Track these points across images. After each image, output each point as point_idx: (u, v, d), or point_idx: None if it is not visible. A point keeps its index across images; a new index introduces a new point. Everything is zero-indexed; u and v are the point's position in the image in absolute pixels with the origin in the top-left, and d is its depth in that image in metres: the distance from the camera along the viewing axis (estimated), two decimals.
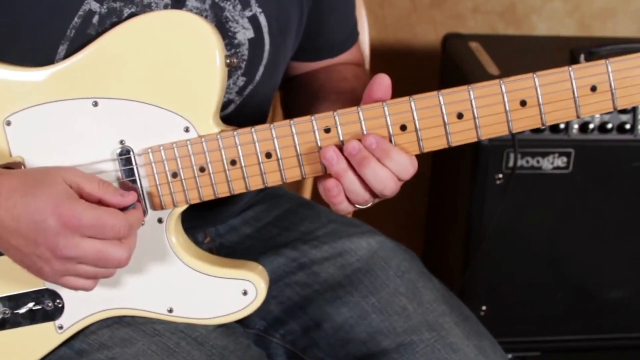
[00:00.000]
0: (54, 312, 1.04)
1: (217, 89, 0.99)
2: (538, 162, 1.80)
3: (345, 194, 0.97)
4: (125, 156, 1.00)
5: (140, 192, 1.00)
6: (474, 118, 0.95)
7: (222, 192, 1.00)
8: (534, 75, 0.94)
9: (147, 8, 1.00)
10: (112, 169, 1.00)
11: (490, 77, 1.74)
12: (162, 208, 1.01)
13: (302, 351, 1.17)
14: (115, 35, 0.99)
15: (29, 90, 1.00)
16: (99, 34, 0.99)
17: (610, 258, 1.90)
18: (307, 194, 1.60)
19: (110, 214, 0.93)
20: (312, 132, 0.97)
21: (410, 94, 0.97)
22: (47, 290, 1.03)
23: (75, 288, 0.98)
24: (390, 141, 0.96)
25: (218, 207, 1.21)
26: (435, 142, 0.96)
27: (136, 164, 1.00)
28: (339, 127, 0.97)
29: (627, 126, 1.79)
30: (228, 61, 0.99)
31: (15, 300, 1.04)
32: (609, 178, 1.84)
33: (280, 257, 1.20)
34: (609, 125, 1.79)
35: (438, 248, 2.19)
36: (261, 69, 1.11)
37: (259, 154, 0.98)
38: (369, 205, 1.00)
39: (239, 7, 1.06)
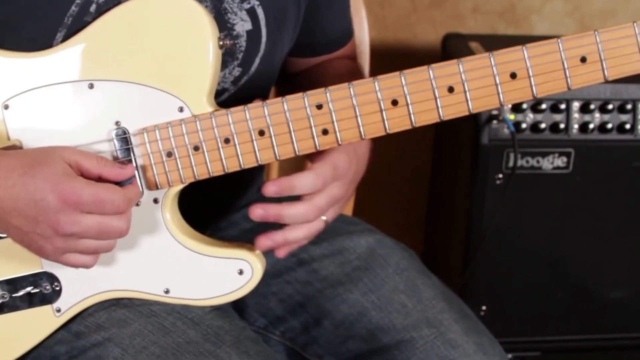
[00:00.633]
0: (51, 295, 1.04)
1: (210, 70, 1.00)
2: (538, 162, 1.80)
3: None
4: (121, 137, 1.01)
5: (137, 172, 1.01)
6: (465, 91, 0.95)
7: (216, 170, 1.00)
8: (523, 48, 0.95)
9: None
10: (108, 150, 1.01)
11: None
12: (157, 188, 1.01)
13: (302, 348, 1.17)
14: (110, 19, 1.00)
15: (27, 74, 1.01)
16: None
17: (610, 258, 1.90)
18: None
19: (109, 189, 0.95)
20: (305, 109, 0.98)
21: None
22: (45, 273, 1.04)
23: (76, 265, 0.98)
24: (382, 116, 0.97)
25: (219, 202, 1.22)
26: (426, 116, 0.96)
27: (131, 144, 1.00)
28: (330, 103, 0.97)
29: (627, 126, 1.79)
30: (221, 42, 1.00)
31: (13, 284, 1.04)
32: (609, 178, 1.84)
33: None
34: (609, 125, 1.79)
35: (438, 248, 2.19)
36: (257, 60, 1.12)
37: (252, 131, 0.99)
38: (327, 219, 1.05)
39: None
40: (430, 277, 1.19)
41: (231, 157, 1.00)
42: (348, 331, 1.14)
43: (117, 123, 1.01)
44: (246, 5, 1.08)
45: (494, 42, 1.93)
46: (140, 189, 1.01)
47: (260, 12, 1.10)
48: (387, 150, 2.02)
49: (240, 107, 0.99)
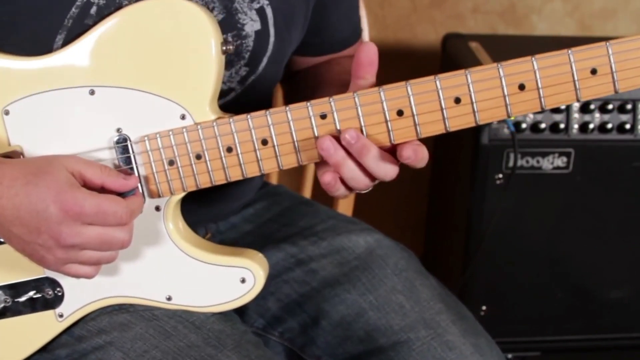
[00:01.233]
0: (54, 301, 1.04)
1: (213, 77, 0.99)
2: (538, 162, 1.80)
3: (345, 182, 0.96)
4: (122, 144, 1.00)
5: (139, 181, 1.00)
6: (472, 102, 0.94)
7: (219, 179, 1.00)
8: (533, 59, 0.93)
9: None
10: (109, 157, 1.00)
11: None
12: (159, 196, 1.01)
13: (300, 349, 1.17)
14: (112, 24, 0.99)
15: (27, 80, 1.00)
16: (96, 23, 1.00)
17: (610, 258, 1.90)
18: (307, 193, 1.60)
19: (112, 201, 0.94)
20: (308, 119, 0.96)
21: None
22: (47, 278, 1.04)
23: (78, 276, 0.98)
24: (387, 127, 0.95)
25: (219, 204, 1.22)
26: (432, 127, 0.95)
27: (133, 152, 1.00)
28: (335, 113, 0.96)
29: (627, 126, 1.79)
30: (224, 48, 0.99)
31: (16, 289, 1.04)
32: (609, 178, 1.84)
33: (280, 252, 1.21)
34: (609, 125, 1.79)
35: (438, 248, 2.19)
36: (265, 60, 1.12)
37: (255, 140, 0.98)
38: (369, 189, 0.99)
39: None
40: (429, 277, 1.19)
41: (234, 166, 0.99)
42: (345, 332, 1.14)
43: (118, 130, 1.00)
44: (256, 5, 1.08)
45: (494, 42, 1.93)
46: (143, 199, 1.00)
47: (269, 11, 1.09)
48: None
49: (243, 116, 0.98)
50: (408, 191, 2.20)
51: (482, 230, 1.82)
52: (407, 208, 2.27)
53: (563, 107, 1.77)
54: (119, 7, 1.00)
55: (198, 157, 0.99)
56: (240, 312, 1.19)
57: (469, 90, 0.94)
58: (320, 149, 0.95)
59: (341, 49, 1.28)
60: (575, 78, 0.92)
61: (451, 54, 1.93)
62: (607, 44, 0.91)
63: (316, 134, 0.97)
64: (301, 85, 1.24)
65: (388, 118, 0.95)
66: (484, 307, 1.89)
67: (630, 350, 1.98)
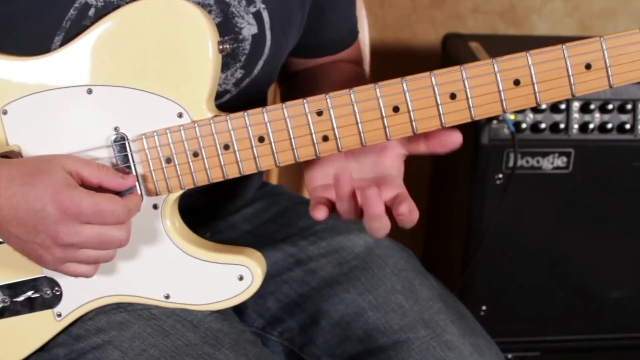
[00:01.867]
0: (52, 300, 1.04)
1: (210, 75, 0.99)
2: (538, 162, 1.80)
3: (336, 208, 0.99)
4: (119, 143, 1.00)
5: (136, 179, 1.01)
6: (467, 98, 0.94)
7: (216, 177, 1.00)
8: (527, 54, 0.93)
9: None
10: (106, 156, 1.00)
11: None
12: (156, 194, 1.01)
13: (299, 349, 1.17)
14: (109, 24, 0.99)
15: (25, 80, 1.00)
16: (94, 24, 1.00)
17: (610, 258, 1.90)
18: (306, 193, 1.60)
19: (110, 199, 0.94)
20: (305, 115, 0.97)
21: None
22: (45, 278, 1.04)
23: (76, 275, 0.98)
24: (383, 123, 0.96)
25: (218, 204, 1.22)
26: (428, 123, 0.95)
27: (130, 150, 1.00)
28: (331, 110, 0.96)
29: (627, 126, 1.79)
30: (221, 47, 1.00)
31: (14, 289, 1.04)
32: (609, 178, 1.84)
33: (279, 251, 1.21)
34: (609, 125, 1.79)
35: (438, 248, 2.19)
36: (260, 63, 1.12)
37: (252, 138, 0.98)
38: None
39: (243, 3, 1.07)
40: (428, 277, 1.19)
41: (231, 163, 0.99)
42: (345, 331, 1.14)
43: (115, 129, 1.00)
44: (252, 9, 1.08)
45: (494, 42, 1.93)
46: (141, 197, 1.00)
47: (265, 15, 1.09)
48: None
49: (240, 113, 0.98)
50: (408, 191, 2.19)
51: (482, 230, 1.82)
52: None
53: (563, 107, 1.77)
54: (117, 8, 1.00)
55: (195, 154, 0.99)
56: (240, 311, 1.20)
57: (464, 86, 0.94)
58: (369, 204, 0.95)
59: (338, 50, 1.28)
60: (570, 73, 0.93)
61: (451, 54, 1.93)
62: (601, 39, 0.92)
63: (313, 131, 0.97)
64: (299, 88, 1.24)
65: (384, 114, 0.96)
66: (484, 307, 1.89)
67: (630, 350, 1.98)
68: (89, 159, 0.99)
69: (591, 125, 1.79)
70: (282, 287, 1.19)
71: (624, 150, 1.81)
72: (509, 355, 1.93)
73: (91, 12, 1.00)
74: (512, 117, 1.76)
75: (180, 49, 0.99)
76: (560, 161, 1.81)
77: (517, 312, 1.92)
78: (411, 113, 0.95)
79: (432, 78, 0.94)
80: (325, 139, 0.97)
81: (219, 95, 1.10)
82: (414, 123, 0.95)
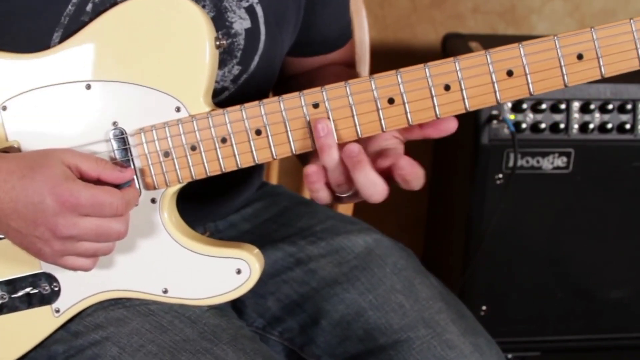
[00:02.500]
0: (50, 296, 1.05)
1: (207, 70, 1.00)
2: (538, 162, 1.80)
3: (326, 175, 0.97)
4: (118, 137, 1.01)
5: (134, 173, 1.01)
6: (461, 89, 0.95)
7: (214, 170, 1.00)
8: (520, 45, 0.94)
9: None
10: (105, 150, 1.01)
11: None
12: (154, 188, 1.01)
13: (300, 348, 1.17)
14: (107, 19, 1.00)
15: (24, 76, 1.01)
16: (92, 20, 1.01)
17: (610, 258, 1.90)
18: (306, 193, 1.60)
19: (108, 192, 0.95)
20: (301, 108, 0.98)
21: None
22: (43, 273, 1.04)
23: (75, 268, 0.99)
24: (379, 115, 0.96)
25: (217, 203, 1.22)
26: (423, 115, 0.96)
27: (129, 144, 1.01)
28: (327, 102, 0.97)
29: (627, 126, 1.79)
30: (218, 43, 1.00)
31: (12, 285, 1.05)
32: (609, 178, 1.84)
33: (279, 251, 1.21)
34: (609, 125, 1.79)
35: (438, 248, 2.19)
36: (257, 58, 1.12)
37: (249, 131, 0.99)
38: (347, 196, 1.00)
39: None
40: (428, 276, 1.19)
41: (228, 156, 1.00)
42: (345, 331, 1.14)
43: (114, 123, 1.01)
44: (245, 4, 1.08)
45: (494, 42, 1.91)
46: (138, 190, 1.01)
47: (259, 9, 1.10)
48: None
49: (237, 107, 0.99)
50: (408, 191, 2.19)
51: (482, 230, 1.82)
52: (407, 208, 2.27)
53: (563, 107, 1.77)
54: (114, 3, 1.01)
55: (193, 148, 1.00)
56: (240, 312, 1.20)
57: (458, 77, 0.95)
58: (314, 128, 0.96)
59: (329, 49, 1.28)
60: (562, 63, 0.94)
61: (451, 54, 1.91)
62: (592, 29, 0.93)
63: (309, 123, 0.98)
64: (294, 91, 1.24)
65: (379, 106, 0.96)
66: (484, 307, 1.89)
67: (630, 350, 1.98)
68: (87, 153, 0.99)
69: (591, 125, 1.79)
70: (282, 287, 1.19)
71: (624, 150, 1.81)
72: (509, 355, 1.93)
73: (89, 7, 1.01)
74: (512, 117, 1.77)
75: (177, 44, 1.00)
76: (560, 161, 1.81)
77: (517, 312, 1.92)
78: (406, 105, 0.96)
79: (426, 70, 0.95)
80: None
81: (217, 92, 1.10)
82: (409, 115, 0.96)
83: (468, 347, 1.10)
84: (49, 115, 1.01)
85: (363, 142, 0.99)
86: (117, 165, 1.00)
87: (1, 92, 1.01)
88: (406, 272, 1.17)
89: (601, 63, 0.93)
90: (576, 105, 1.78)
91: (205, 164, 1.00)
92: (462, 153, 1.89)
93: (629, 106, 1.79)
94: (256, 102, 0.98)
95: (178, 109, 1.00)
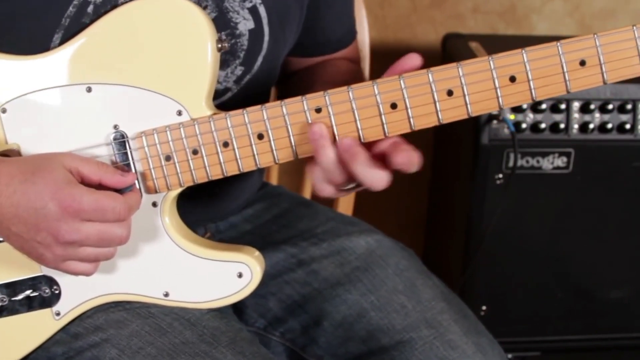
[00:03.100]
0: (51, 299, 1.04)
1: (208, 73, 1.00)
2: (538, 162, 1.80)
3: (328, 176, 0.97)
4: (119, 141, 1.00)
5: (136, 177, 1.01)
6: (464, 95, 0.95)
7: (216, 174, 1.00)
8: (523, 51, 0.94)
9: None
10: (106, 154, 1.01)
11: None
12: (156, 191, 1.01)
13: (301, 349, 1.17)
14: (108, 22, 1.00)
15: (24, 78, 1.01)
16: (93, 22, 1.00)
17: (610, 258, 1.90)
18: (306, 193, 1.60)
19: (110, 197, 0.94)
20: (303, 112, 0.97)
21: None
22: (44, 277, 1.04)
23: (76, 273, 0.98)
24: (381, 120, 0.96)
25: (218, 204, 1.22)
26: (425, 120, 0.96)
27: (130, 148, 1.00)
28: (329, 107, 0.97)
29: (627, 126, 1.79)
30: (219, 45, 1.00)
31: (13, 287, 1.04)
32: (609, 178, 1.84)
33: (280, 252, 1.21)
34: (609, 125, 1.79)
35: (438, 248, 2.19)
36: (260, 59, 1.12)
37: (251, 135, 0.98)
38: (351, 187, 0.99)
39: None
40: (430, 277, 1.19)
41: (230, 161, 0.99)
42: (347, 332, 1.14)
43: (115, 127, 1.00)
44: (248, 4, 1.08)
45: (494, 42, 1.94)
46: (140, 195, 1.01)
47: (262, 10, 1.09)
48: None
49: (239, 111, 0.99)
50: (408, 191, 2.20)
51: (482, 230, 1.82)
52: (407, 208, 2.27)
53: (563, 107, 1.77)
54: (115, 5, 1.00)
55: (195, 152, 1.00)
56: (240, 312, 1.20)
57: (461, 82, 0.95)
58: (309, 131, 0.96)
59: (334, 50, 1.28)
60: (565, 70, 0.94)
61: (451, 54, 1.93)
62: (595, 35, 0.93)
63: None
64: (295, 87, 1.24)
65: (382, 111, 0.96)
66: (484, 307, 1.89)
67: (630, 350, 1.98)
68: (88, 157, 0.99)
69: (591, 125, 1.79)
70: (284, 287, 1.19)
71: (624, 150, 1.81)
72: (509, 355, 1.92)
73: (90, 9, 1.00)
74: (512, 117, 1.77)
75: (179, 47, 0.99)
76: (560, 161, 1.81)
77: (517, 312, 1.92)
78: (409, 110, 0.96)
79: (429, 75, 0.95)
80: None
81: (220, 93, 1.10)
82: (411, 120, 0.96)
83: (471, 347, 1.10)
84: (50, 118, 1.01)
85: None
86: (118, 169, 0.99)
87: (1, 94, 1.00)
88: (408, 273, 1.17)
89: (604, 69, 0.93)
90: (576, 105, 1.78)
91: (207, 168, 1.00)
92: (462, 153, 1.89)
93: (629, 106, 1.79)
94: (258, 107, 0.98)
95: (179, 113, 1.00)
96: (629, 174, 1.84)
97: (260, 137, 0.98)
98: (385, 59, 1.73)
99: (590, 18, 2.19)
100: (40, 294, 1.04)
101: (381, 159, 0.97)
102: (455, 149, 1.97)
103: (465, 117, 0.96)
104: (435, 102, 0.95)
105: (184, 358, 1.01)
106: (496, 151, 1.78)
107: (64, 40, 1.00)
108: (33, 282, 1.04)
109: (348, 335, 1.14)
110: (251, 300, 1.18)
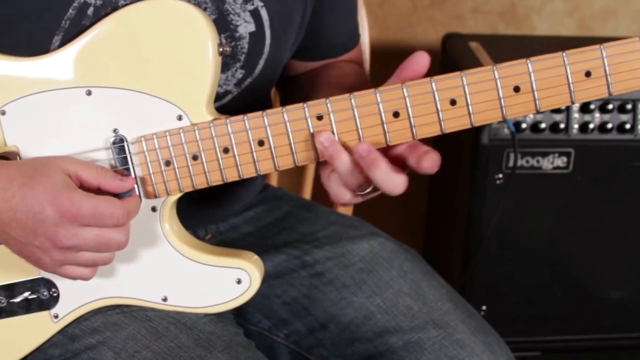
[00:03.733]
0: (49, 301, 1.04)
1: (209, 78, 0.99)
2: (538, 162, 1.80)
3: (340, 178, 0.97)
4: (118, 145, 1.00)
5: (135, 181, 1.00)
6: (467, 104, 0.94)
7: (215, 180, 1.00)
8: (528, 61, 0.93)
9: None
10: (105, 158, 1.00)
11: None
12: (155, 197, 1.01)
13: (306, 351, 1.17)
14: (108, 25, 0.99)
15: (24, 80, 1.00)
16: (93, 24, 1.00)
17: (610, 258, 1.90)
18: (307, 193, 1.60)
19: (109, 202, 0.94)
20: (305, 120, 0.97)
21: None
22: (42, 279, 1.04)
23: (74, 277, 0.98)
24: (384, 128, 0.95)
25: (219, 206, 1.22)
26: (428, 129, 0.95)
27: (130, 152, 1.00)
28: (331, 115, 0.96)
29: (627, 126, 1.79)
30: (221, 50, 0.99)
31: (11, 289, 1.04)
32: (609, 178, 1.84)
33: (282, 254, 1.20)
34: (609, 125, 1.79)
35: (438, 248, 2.19)
36: (261, 62, 1.11)
37: (251, 141, 0.98)
38: (368, 192, 0.99)
39: (240, 0, 1.06)
40: (435, 277, 1.19)
41: (230, 167, 0.99)
42: (354, 334, 1.14)
43: (115, 131, 1.00)
44: (249, 7, 1.07)
45: (494, 42, 1.93)
46: (140, 200, 1.00)
47: (264, 13, 1.09)
48: None
49: (240, 117, 0.98)
50: (408, 191, 2.19)
51: (482, 230, 1.82)
52: (407, 208, 2.27)
53: (563, 107, 1.77)
54: (116, 7, 1.00)
55: (195, 157, 0.99)
56: (242, 311, 1.19)
57: (465, 92, 0.94)
58: (318, 141, 0.95)
59: (338, 53, 1.28)
60: (570, 81, 0.93)
61: (451, 54, 1.93)
62: (602, 47, 0.92)
63: (313, 135, 0.96)
64: (298, 90, 1.24)
65: (384, 120, 0.95)
66: (484, 307, 1.89)
67: (630, 350, 1.98)
68: (87, 160, 0.99)
69: (591, 125, 1.79)
70: (288, 290, 1.19)
71: (624, 150, 1.81)
72: None
73: (90, 11, 1.00)
74: (507, 119, 1.76)
75: (180, 50, 0.98)
76: (560, 161, 1.81)
77: (517, 312, 1.92)
78: (411, 119, 0.95)
79: (433, 84, 0.94)
80: None
81: (220, 96, 1.10)
82: (414, 129, 0.95)
83: (479, 345, 1.10)
84: (49, 121, 1.00)
85: None
86: (117, 173, 0.99)
87: (0, 97, 1.00)
88: (412, 275, 1.17)
89: (609, 81, 0.92)
90: (576, 105, 1.78)
91: (207, 174, 0.99)
92: (462, 153, 1.89)
93: (629, 106, 1.79)
94: (259, 113, 0.97)
95: (180, 118, 0.99)
96: (629, 174, 1.84)
97: (260, 143, 0.98)
98: (385, 59, 1.73)
99: (590, 18, 2.19)
100: (38, 297, 1.04)
101: (397, 162, 0.97)
102: (455, 149, 1.96)
103: (468, 127, 0.95)
104: (438, 112, 0.95)
105: None
106: (496, 151, 1.77)
107: (63, 43, 1.00)
108: (32, 285, 1.04)
109: (355, 337, 1.14)
110: (253, 299, 1.18)
